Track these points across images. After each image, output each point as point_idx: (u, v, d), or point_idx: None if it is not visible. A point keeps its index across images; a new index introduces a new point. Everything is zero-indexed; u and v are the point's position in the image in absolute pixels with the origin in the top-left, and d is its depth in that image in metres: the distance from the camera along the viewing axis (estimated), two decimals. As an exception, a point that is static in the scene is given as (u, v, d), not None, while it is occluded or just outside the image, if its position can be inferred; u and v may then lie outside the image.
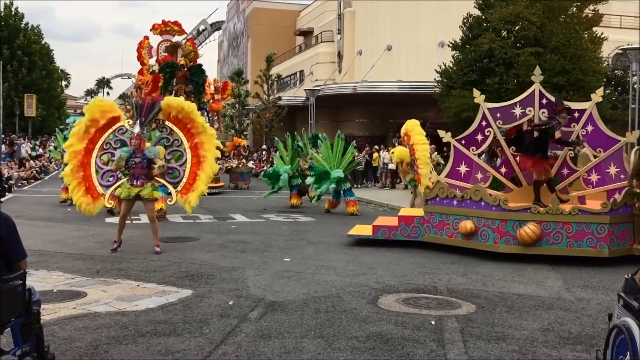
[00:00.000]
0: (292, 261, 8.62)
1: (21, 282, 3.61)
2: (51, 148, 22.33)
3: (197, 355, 4.70)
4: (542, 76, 10.13)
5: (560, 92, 18.06)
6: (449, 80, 20.70)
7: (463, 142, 10.14)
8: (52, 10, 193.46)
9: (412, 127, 11.56)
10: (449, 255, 9.27)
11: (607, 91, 20.65)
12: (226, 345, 4.94)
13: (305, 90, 31.91)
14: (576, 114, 9.83)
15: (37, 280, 6.89)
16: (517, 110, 9.83)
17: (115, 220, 12.19)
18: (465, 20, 21.02)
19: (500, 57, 18.87)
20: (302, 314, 5.86)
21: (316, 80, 39.39)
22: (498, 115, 9.92)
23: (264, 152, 34.18)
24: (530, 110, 9.78)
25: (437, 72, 21.82)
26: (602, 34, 20.30)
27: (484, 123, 9.97)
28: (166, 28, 21.43)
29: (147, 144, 9.55)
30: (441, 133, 10.50)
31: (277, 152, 18.04)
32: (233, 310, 5.95)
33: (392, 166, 24.83)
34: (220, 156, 11.45)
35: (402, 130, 12.47)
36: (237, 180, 23.33)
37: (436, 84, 22.06)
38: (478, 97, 10.10)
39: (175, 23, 21.61)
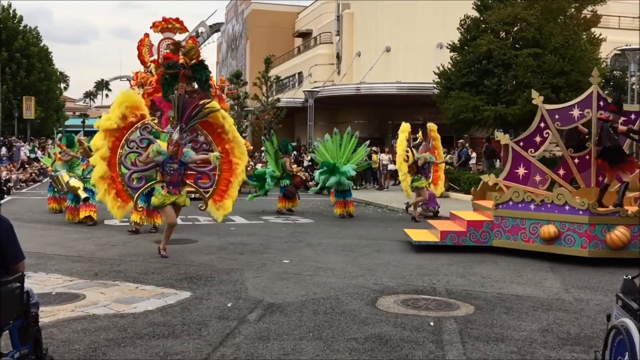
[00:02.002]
0: (291, 263, 8.62)
1: (19, 284, 3.61)
2: (40, 154, 21.20)
3: (195, 358, 4.70)
4: (541, 97, 10.14)
5: (558, 93, 18.11)
6: (448, 81, 20.74)
7: (521, 144, 10.09)
8: (50, 12, 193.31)
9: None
10: (448, 256, 9.26)
11: (606, 92, 20.70)
12: (225, 347, 4.93)
13: (304, 91, 31.94)
14: (632, 116, 9.84)
15: (36, 282, 6.89)
16: (575, 112, 9.84)
17: (113, 222, 12.20)
18: (463, 22, 21.06)
19: (498, 58, 18.91)
20: (301, 315, 5.86)
21: (315, 81, 39.41)
22: (556, 117, 9.90)
23: (263, 154, 34.02)
24: (588, 112, 9.77)
25: (435, 73, 21.86)
26: (600, 35, 20.34)
27: (542, 125, 9.94)
28: (167, 25, 20.83)
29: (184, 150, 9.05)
30: (499, 135, 10.54)
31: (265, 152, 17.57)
32: (232, 312, 5.95)
33: (391, 167, 24.86)
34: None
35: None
36: (246, 184, 23.00)
37: (435, 85, 22.10)
38: (537, 98, 10.07)
39: (177, 20, 20.96)
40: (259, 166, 26.03)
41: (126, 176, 9.08)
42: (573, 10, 20.13)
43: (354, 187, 20.15)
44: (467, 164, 24.06)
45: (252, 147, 29.91)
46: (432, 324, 5.64)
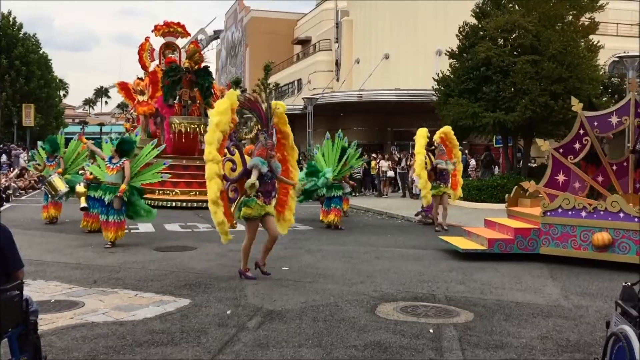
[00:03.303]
0: (290, 269, 8.61)
1: (18, 292, 3.61)
2: (30, 163, 19.74)
3: (195, 365, 4.69)
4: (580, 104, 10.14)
5: (557, 100, 18.16)
6: (447, 88, 20.79)
7: (561, 150, 10.08)
8: (51, 19, 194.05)
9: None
10: (447, 263, 9.26)
11: (604, 99, 20.76)
12: (224, 355, 4.92)
13: (303, 98, 31.97)
14: None
15: (35, 290, 6.88)
16: (614, 119, 9.83)
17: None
18: (462, 29, 21.13)
19: (497, 65, 18.96)
20: (300, 322, 5.85)
21: (314, 88, 39.49)
22: (595, 124, 9.89)
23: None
24: (626, 119, 9.79)
25: (434, 80, 21.91)
26: (598, 41, 20.40)
27: (581, 132, 9.92)
28: (169, 30, 20.44)
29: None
30: (539, 142, 10.56)
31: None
32: (231, 319, 5.94)
33: (391, 174, 24.88)
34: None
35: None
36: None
37: (434, 92, 22.14)
38: (576, 105, 10.08)
39: (179, 24, 20.55)
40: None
41: (226, 188, 8.09)
42: (571, 17, 20.21)
43: (353, 194, 20.03)
44: (466, 170, 24.09)
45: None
46: (431, 331, 5.63)
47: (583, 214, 9.27)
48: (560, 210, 9.49)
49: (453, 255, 9.83)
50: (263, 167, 7.78)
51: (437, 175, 13.37)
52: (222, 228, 7.80)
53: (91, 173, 11.90)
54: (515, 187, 11.32)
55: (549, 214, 9.56)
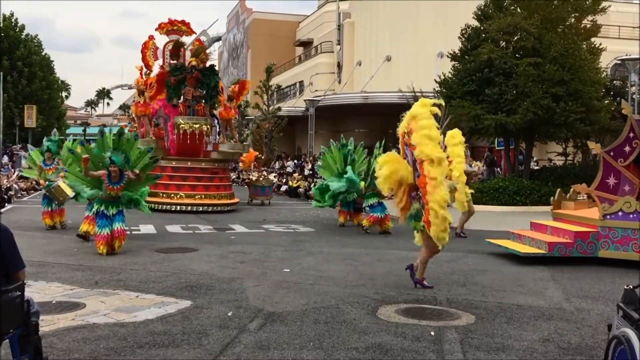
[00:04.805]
0: (291, 272, 8.60)
1: (20, 293, 3.62)
2: (25, 167, 18.37)
3: (195, 367, 4.69)
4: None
5: (559, 102, 18.16)
6: (449, 90, 20.78)
7: (611, 153, 10.05)
8: (53, 21, 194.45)
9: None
10: (449, 265, 9.25)
11: (606, 101, 20.75)
12: (225, 357, 4.92)
13: (304, 100, 31.99)
14: None
15: (36, 291, 6.88)
16: None
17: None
18: (464, 31, 21.14)
19: (499, 67, 18.96)
20: (302, 324, 5.85)
21: (316, 90, 39.51)
22: None
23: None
24: None
25: (436, 82, 21.90)
26: (600, 44, 20.41)
27: (631, 135, 9.93)
28: (173, 27, 19.56)
29: None
30: (591, 144, 10.57)
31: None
32: (232, 321, 5.94)
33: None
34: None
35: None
36: (257, 195, 20.69)
37: (436, 94, 22.13)
38: (626, 108, 10.08)
39: (183, 22, 19.69)
40: (271, 176, 25.12)
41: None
42: (573, 20, 20.22)
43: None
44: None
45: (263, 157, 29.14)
46: (432, 333, 5.62)
47: None
48: (620, 213, 9.45)
49: (454, 258, 9.82)
50: None
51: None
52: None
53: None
54: (558, 190, 11.31)
55: (608, 217, 9.50)
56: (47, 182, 12.61)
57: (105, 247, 9.68)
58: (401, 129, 7.73)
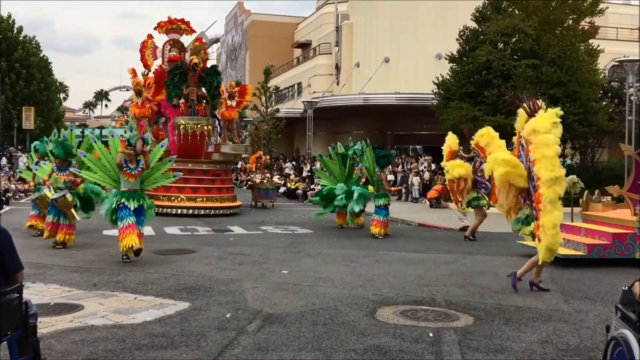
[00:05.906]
0: (290, 273, 8.60)
1: (18, 295, 3.62)
2: (23, 167, 17.93)
3: (194, 369, 4.68)
4: None
5: (557, 104, 18.18)
6: (447, 92, 20.82)
7: None
8: (52, 22, 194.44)
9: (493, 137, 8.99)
10: (447, 267, 9.26)
11: (604, 103, 20.79)
12: (223, 358, 4.92)
13: (303, 102, 31.98)
14: None
15: (34, 293, 6.87)
16: None
17: (112, 233, 12.14)
18: (462, 33, 21.17)
19: (497, 69, 19.00)
20: (300, 326, 5.85)
21: (314, 92, 39.51)
22: None
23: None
24: None
25: (434, 83, 21.93)
26: (598, 46, 20.45)
27: None
28: (173, 26, 19.17)
29: None
30: (623, 147, 10.56)
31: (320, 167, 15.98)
32: (231, 323, 5.94)
33: (390, 178, 24.79)
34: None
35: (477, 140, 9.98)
36: (261, 198, 20.36)
37: (434, 96, 22.16)
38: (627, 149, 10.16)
39: (182, 21, 19.29)
40: (275, 178, 24.87)
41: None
42: (571, 21, 20.27)
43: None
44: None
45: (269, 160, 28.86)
46: (431, 335, 5.63)
47: None
48: None
49: (452, 259, 9.83)
50: None
51: (479, 184, 12.39)
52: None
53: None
54: (586, 191, 11.32)
55: None
56: (35, 186, 12.44)
57: (136, 238, 9.15)
58: (518, 127, 7.87)
